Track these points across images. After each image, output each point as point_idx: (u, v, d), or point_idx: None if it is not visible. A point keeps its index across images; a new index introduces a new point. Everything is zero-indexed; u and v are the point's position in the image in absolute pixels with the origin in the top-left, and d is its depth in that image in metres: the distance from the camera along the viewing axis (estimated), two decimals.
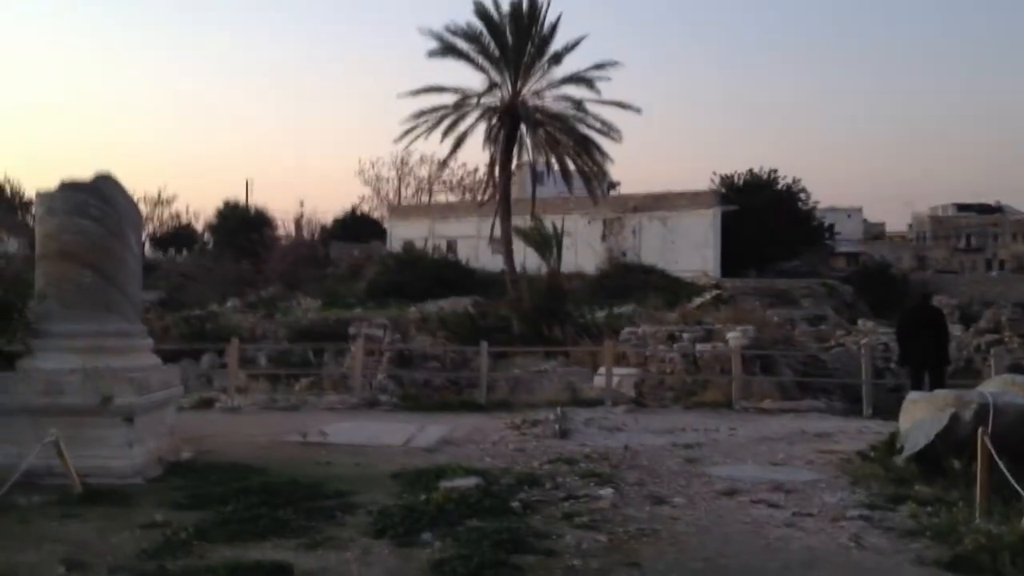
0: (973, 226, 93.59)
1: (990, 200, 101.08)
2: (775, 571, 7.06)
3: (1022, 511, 7.55)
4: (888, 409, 14.84)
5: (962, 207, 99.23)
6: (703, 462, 11.36)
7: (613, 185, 70.65)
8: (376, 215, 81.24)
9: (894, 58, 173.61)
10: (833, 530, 8.19)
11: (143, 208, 60.91)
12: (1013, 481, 7.93)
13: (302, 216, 73.83)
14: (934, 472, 9.71)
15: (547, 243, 31.49)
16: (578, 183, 44.01)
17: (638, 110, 42.53)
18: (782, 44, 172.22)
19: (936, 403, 10.52)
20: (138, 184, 53.55)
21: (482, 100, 41.67)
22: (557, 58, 40.84)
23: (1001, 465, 8.15)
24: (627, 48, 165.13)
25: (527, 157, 43.26)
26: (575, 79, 40.85)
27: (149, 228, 70.37)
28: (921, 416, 10.56)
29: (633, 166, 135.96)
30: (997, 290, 59.85)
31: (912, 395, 11.41)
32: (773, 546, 7.71)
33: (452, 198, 78.75)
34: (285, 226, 71.66)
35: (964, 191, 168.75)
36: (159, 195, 74.76)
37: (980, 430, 8.68)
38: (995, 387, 11.05)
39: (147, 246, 65.30)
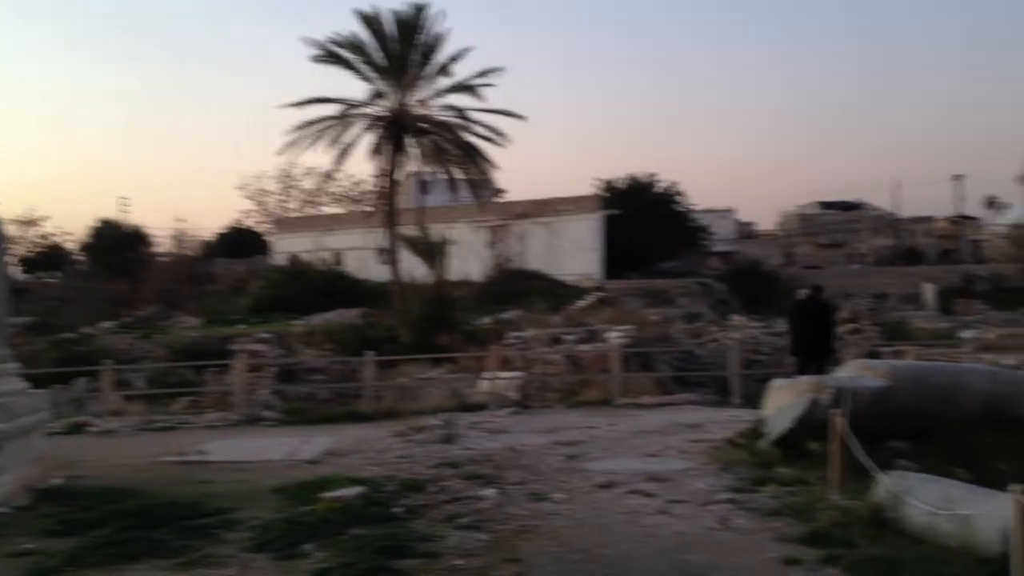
0: (836, 223, 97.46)
1: (851, 198, 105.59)
2: (649, 556, 7.40)
3: (872, 486, 8.06)
4: (757, 398, 15.43)
5: (826, 205, 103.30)
6: (583, 458, 11.69)
7: (499, 192, 71.18)
8: (260, 229, 79.89)
9: (760, 63, 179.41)
10: (703, 514, 8.62)
11: (9, 229, 58.47)
12: (865, 459, 8.46)
13: (181, 232, 72.16)
14: (795, 454, 10.26)
15: (434, 252, 31.66)
16: (465, 191, 44.16)
17: (523, 118, 42.89)
18: (658, 51, 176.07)
19: (797, 389, 11.10)
20: (3, 205, 51.35)
21: (367, 110, 41.42)
22: (443, 68, 40.86)
23: (854, 444, 8.69)
24: (512, 55, 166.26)
25: (414, 167, 43.18)
26: (460, 88, 40.96)
27: (17, 250, 67.46)
28: (784, 402, 11.12)
29: (519, 173, 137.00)
30: (858, 283, 62.46)
31: (776, 382, 11.97)
32: (647, 533, 8.08)
33: (338, 210, 77.99)
34: (163, 243, 69.92)
35: (827, 190, 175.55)
36: (27, 216, 71.66)
37: (835, 413, 9.25)
38: (851, 372, 11.69)
39: (16, 269, 62.66)
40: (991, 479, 9.55)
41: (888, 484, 7.55)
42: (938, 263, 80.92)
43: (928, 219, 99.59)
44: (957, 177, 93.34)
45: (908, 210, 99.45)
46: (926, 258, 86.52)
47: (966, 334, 31.03)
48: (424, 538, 7.96)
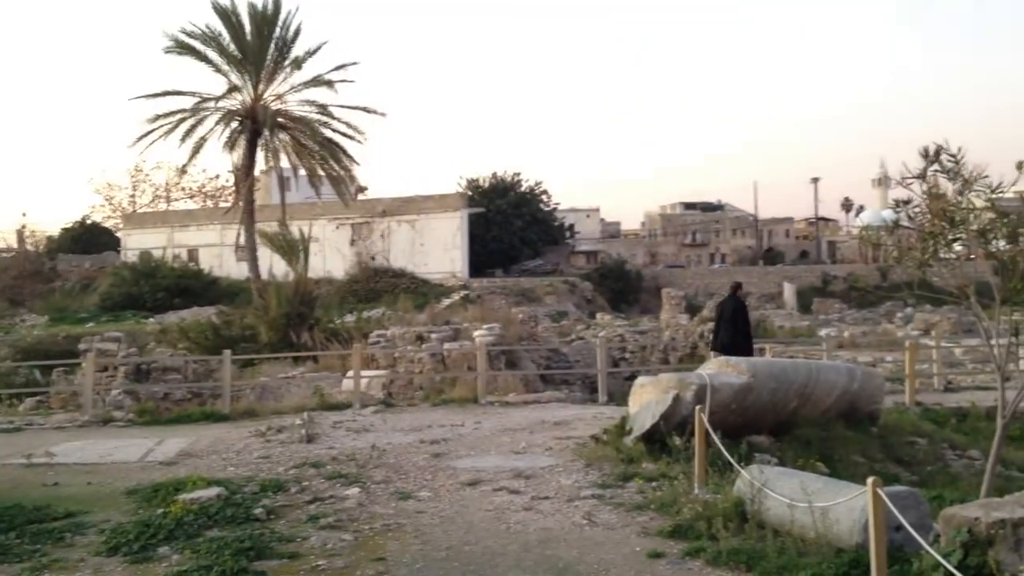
0: (698, 223, 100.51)
1: (712, 199, 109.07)
2: (515, 553, 7.35)
3: (734, 480, 8.22)
4: (623, 395, 15.67)
5: (688, 205, 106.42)
6: (449, 456, 11.60)
7: (362, 189, 70.44)
8: (109, 225, 76.81)
9: (625, 64, 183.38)
10: (568, 510, 8.63)
11: None
12: (726, 453, 8.64)
13: (24, 228, 68.67)
14: (660, 450, 10.42)
15: (294, 249, 30.88)
16: (326, 188, 43.53)
17: (383, 114, 42.92)
18: (523, 50, 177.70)
19: (661, 386, 11.28)
20: None
21: (223, 103, 40.29)
22: (299, 62, 40.15)
23: (716, 439, 8.85)
24: (374, 54, 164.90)
25: (272, 162, 42.27)
26: (317, 82, 40.33)
27: None
28: (648, 399, 11.28)
29: (382, 171, 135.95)
30: (720, 281, 64.42)
31: (640, 380, 12.12)
32: (513, 530, 8.04)
33: (193, 205, 75.70)
34: (5, 240, 66.39)
35: (688, 191, 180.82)
36: None
37: (697, 408, 9.41)
38: (713, 369, 11.95)
39: None
40: (848, 472, 9.93)
41: (748, 478, 7.70)
42: (797, 263, 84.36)
43: (787, 220, 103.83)
44: (815, 180, 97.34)
45: (768, 211, 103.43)
46: (785, 258, 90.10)
47: (824, 332, 32.37)
48: (285, 539, 7.79)
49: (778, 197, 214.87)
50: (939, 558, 5.43)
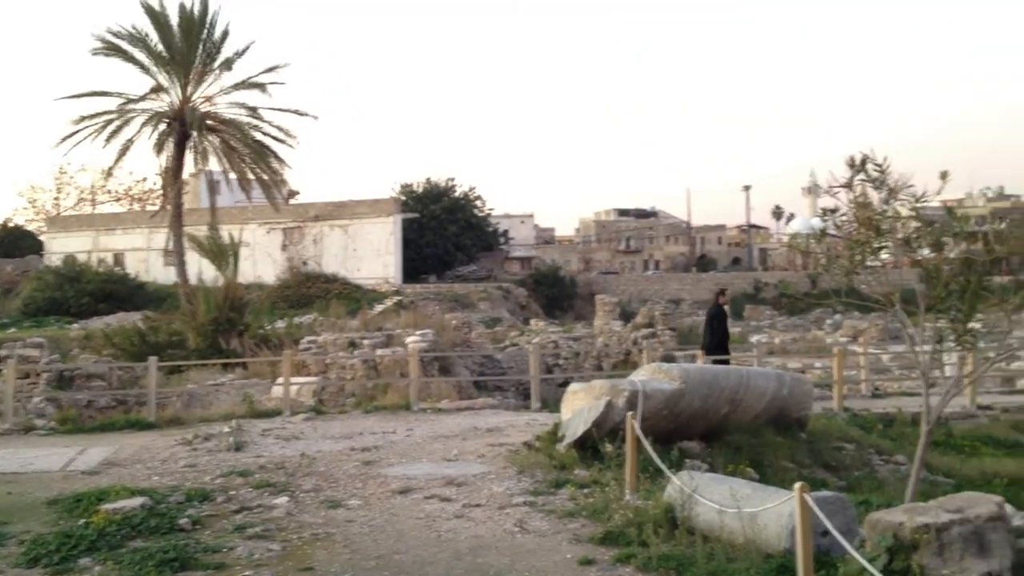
0: (632, 229, 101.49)
1: (647, 206, 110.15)
2: (445, 561, 7.29)
3: (665, 486, 8.25)
4: (556, 402, 15.65)
5: (622, 212, 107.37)
6: (380, 464, 11.47)
7: (293, 194, 69.70)
8: (33, 228, 74.88)
9: (557, 71, 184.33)
10: (500, 517, 8.59)
11: None
12: (657, 459, 8.66)
13: None
14: (592, 456, 10.41)
15: (223, 254, 30.36)
16: (257, 192, 42.93)
17: (315, 117, 42.60)
18: (455, 56, 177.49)
19: (593, 392, 11.30)
20: None
21: (151, 105, 39.48)
22: (228, 63, 39.52)
23: (647, 445, 8.88)
24: (308, 58, 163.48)
25: (202, 165, 41.55)
26: (248, 84, 39.76)
27: None
28: (580, 405, 11.28)
29: (315, 175, 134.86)
30: (653, 288, 65.21)
31: (573, 386, 12.14)
32: (444, 538, 7.97)
33: (119, 209, 74.14)
34: None
35: (623, 197, 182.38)
36: None
37: (629, 415, 9.43)
38: (645, 375, 12.01)
39: None
40: (777, 477, 10.04)
41: (679, 484, 7.73)
42: (729, 270, 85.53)
43: (720, 227, 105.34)
44: (747, 188, 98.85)
45: (701, 219, 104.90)
46: (718, 265, 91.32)
47: (755, 339, 32.84)
48: (211, 549, 7.65)
49: (711, 205, 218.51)
50: (864, 563, 5.50)
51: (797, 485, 5.70)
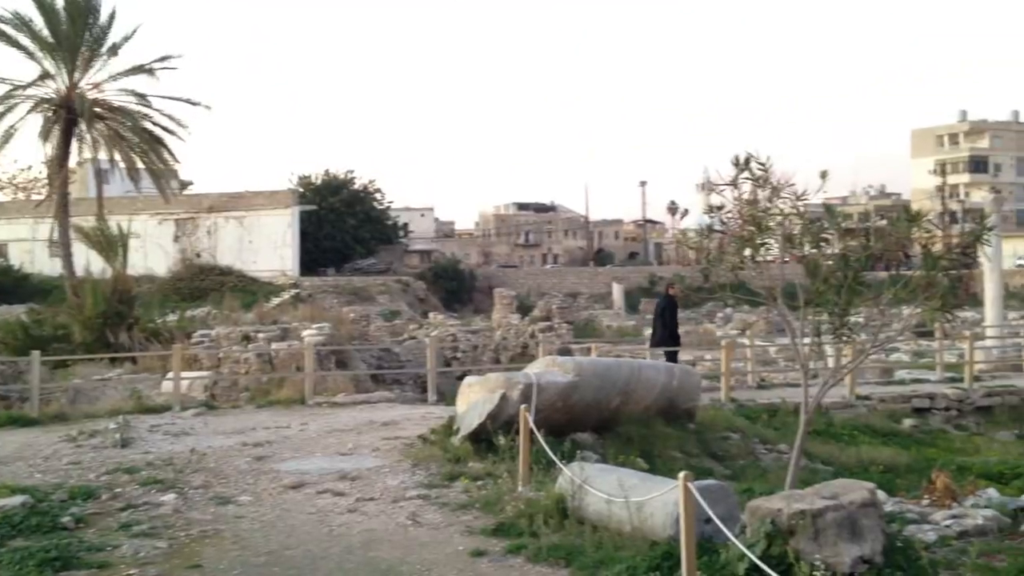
0: (531, 223, 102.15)
1: (546, 200, 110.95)
2: (337, 555, 7.29)
3: (556, 477, 8.38)
4: (454, 395, 15.64)
5: (522, 206, 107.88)
6: (272, 459, 11.33)
7: (186, 185, 68.07)
8: None
9: (457, 64, 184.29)
10: (393, 511, 8.61)
11: None
12: (549, 451, 8.80)
13: None
14: (487, 449, 10.49)
15: (112, 245, 29.47)
16: (147, 182, 41.79)
17: (207, 107, 41.38)
18: (355, 48, 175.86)
19: (488, 385, 11.39)
20: None
21: (35, 91, 38.02)
22: (115, 48, 38.31)
23: (540, 437, 9.01)
24: (202, 48, 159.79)
25: (89, 154, 40.20)
26: (137, 70, 38.62)
27: None
28: (476, 398, 11.36)
29: (209, 166, 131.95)
30: (551, 282, 65.59)
31: (468, 379, 12.23)
32: (336, 532, 7.96)
33: (3, 198, 71.25)
34: None
35: (523, 190, 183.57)
36: None
37: (523, 407, 9.55)
38: (540, 368, 12.15)
39: None
40: (666, 467, 10.29)
41: (570, 475, 7.87)
42: (626, 264, 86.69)
43: (617, 222, 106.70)
44: (643, 183, 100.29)
45: (598, 213, 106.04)
46: (615, 259, 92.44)
47: (649, 332, 33.30)
48: (95, 548, 7.49)
49: (608, 199, 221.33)
50: (743, 548, 5.70)
51: (681, 474, 5.86)
